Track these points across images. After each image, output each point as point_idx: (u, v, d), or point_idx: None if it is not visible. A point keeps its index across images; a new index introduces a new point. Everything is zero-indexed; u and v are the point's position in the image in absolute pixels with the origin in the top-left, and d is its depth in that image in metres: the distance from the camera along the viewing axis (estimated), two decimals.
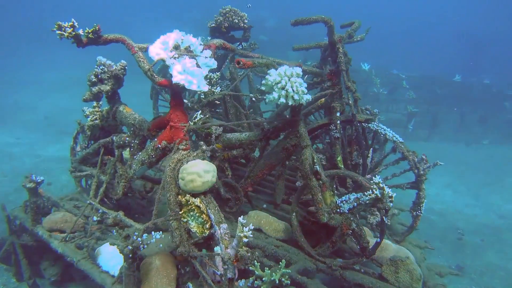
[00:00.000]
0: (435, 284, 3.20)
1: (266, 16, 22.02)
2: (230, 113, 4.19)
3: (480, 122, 10.96)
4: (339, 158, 3.92)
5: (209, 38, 4.83)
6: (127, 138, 2.95)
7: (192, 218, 2.37)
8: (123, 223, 2.85)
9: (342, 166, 3.88)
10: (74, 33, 2.16)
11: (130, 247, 2.34)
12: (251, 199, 3.84)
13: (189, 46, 2.46)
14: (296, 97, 2.83)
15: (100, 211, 2.96)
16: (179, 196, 2.39)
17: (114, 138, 3.16)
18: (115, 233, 3.26)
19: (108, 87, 2.98)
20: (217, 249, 2.19)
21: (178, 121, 2.51)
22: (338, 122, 3.86)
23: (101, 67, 2.92)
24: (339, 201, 3.20)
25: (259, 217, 3.43)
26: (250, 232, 1.95)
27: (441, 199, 7.30)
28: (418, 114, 10.81)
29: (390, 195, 2.92)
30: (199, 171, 2.29)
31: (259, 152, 3.55)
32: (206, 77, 3.51)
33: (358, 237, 3.17)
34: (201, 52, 2.48)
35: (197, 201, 2.31)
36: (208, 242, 2.43)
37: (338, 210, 3.19)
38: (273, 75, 2.88)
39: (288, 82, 2.84)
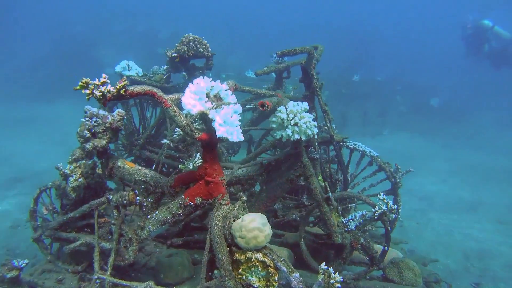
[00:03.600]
0: (429, 274, 3.67)
1: (159, 27, 21.30)
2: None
3: (380, 116, 12.76)
4: (319, 178, 4.13)
5: (163, 67, 4.55)
6: (138, 197, 2.60)
7: (254, 273, 2.25)
8: None
9: (323, 184, 4.10)
10: (107, 90, 1.82)
11: None
12: None
13: (219, 93, 2.32)
14: (309, 132, 2.91)
15: (123, 284, 2.54)
16: (237, 254, 2.24)
17: (110, 197, 2.74)
18: None
19: (104, 142, 2.58)
20: None
21: (217, 176, 2.33)
22: (316, 144, 4.07)
23: (94, 119, 2.51)
24: (346, 221, 3.41)
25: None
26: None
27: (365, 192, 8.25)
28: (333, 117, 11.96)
29: (393, 208, 3.26)
30: (259, 226, 2.18)
31: (260, 186, 3.52)
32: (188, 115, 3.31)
33: (367, 249, 3.44)
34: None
35: (260, 256, 2.21)
36: None
37: (346, 229, 3.40)
38: (283, 113, 2.91)
39: (299, 118, 2.91)
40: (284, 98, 3.37)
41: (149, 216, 2.63)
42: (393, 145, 11.51)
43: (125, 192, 2.72)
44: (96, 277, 2.62)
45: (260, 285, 2.27)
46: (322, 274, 2.15)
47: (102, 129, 2.55)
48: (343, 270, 3.76)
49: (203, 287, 2.30)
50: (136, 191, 2.64)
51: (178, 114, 2.13)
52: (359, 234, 3.41)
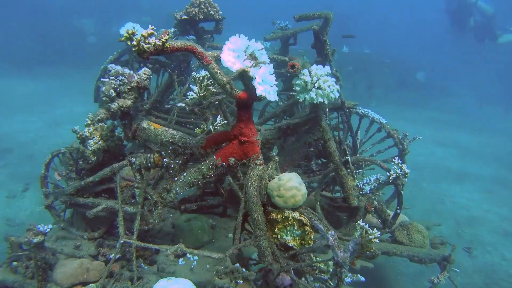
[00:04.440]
0: (434, 237, 3.84)
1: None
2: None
3: (368, 88, 12.87)
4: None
5: (172, 29, 4.36)
6: (165, 159, 2.54)
7: (289, 232, 2.28)
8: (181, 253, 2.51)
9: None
10: (154, 43, 1.72)
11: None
12: None
13: (254, 52, 2.25)
14: (332, 96, 2.90)
15: (152, 248, 2.52)
16: (273, 214, 2.26)
17: (133, 160, 2.67)
18: (145, 268, 2.87)
19: (129, 102, 2.48)
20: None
21: (252, 135, 2.30)
22: (327, 110, 4.08)
23: (120, 78, 2.40)
24: (361, 184, 3.48)
25: None
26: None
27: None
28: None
29: (406, 172, 3.35)
30: (297, 185, 2.19)
31: (277, 149, 3.51)
32: (205, 77, 3.23)
33: (380, 213, 3.55)
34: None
35: (297, 215, 2.23)
36: None
37: (361, 192, 3.48)
38: (307, 76, 2.88)
39: (322, 82, 2.88)
40: (305, 62, 3.31)
41: (176, 179, 2.59)
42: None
43: (149, 154, 2.65)
44: (122, 241, 2.58)
45: (295, 243, 2.31)
46: (360, 231, 2.20)
47: (128, 88, 2.44)
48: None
49: (238, 247, 2.31)
50: (163, 152, 2.58)
51: (218, 71, 2.06)
52: (373, 197, 3.50)
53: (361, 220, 3.54)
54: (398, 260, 4.74)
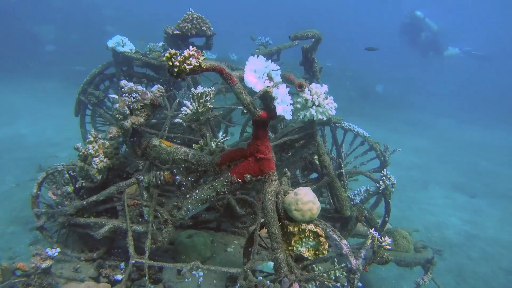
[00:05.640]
0: (417, 241, 4.13)
1: (102, 2, 19.68)
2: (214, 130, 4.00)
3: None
4: (315, 157, 4.37)
5: (159, 44, 4.36)
6: (178, 177, 2.55)
7: (304, 244, 2.39)
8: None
9: (318, 163, 4.35)
10: (195, 63, 1.77)
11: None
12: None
13: (270, 73, 2.36)
14: (330, 112, 3.09)
15: (166, 266, 2.49)
16: (290, 227, 2.35)
17: (141, 178, 2.65)
18: (152, 287, 2.83)
19: (142, 119, 2.48)
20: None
21: (269, 152, 2.39)
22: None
23: (133, 95, 2.40)
24: (352, 195, 3.69)
25: None
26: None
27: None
28: None
29: (394, 183, 3.62)
30: (312, 199, 2.31)
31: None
32: (203, 94, 3.30)
33: (370, 221, 3.77)
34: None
35: (312, 227, 2.34)
36: None
37: (352, 202, 3.68)
38: (308, 94, 3.04)
39: (322, 99, 3.06)
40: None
41: (188, 196, 2.60)
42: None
43: (158, 172, 2.65)
44: (133, 261, 2.54)
45: (309, 254, 2.42)
46: (371, 239, 2.36)
47: (141, 105, 2.44)
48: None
49: (255, 260, 2.37)
50: (174, 170, 2.59)
51: (243, 92, 2.15)
52: (363, 207, 3.72)
53: (348, 234, 3.75)
54: (379, 265, 5.02)
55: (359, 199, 3.69)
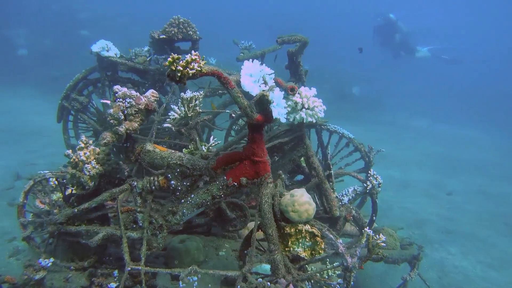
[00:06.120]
0: (402, 239, 4.27)
1: (77, 7, 19.18)
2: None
3: None
4: (302, 159, 4.45)
5: (144, 48, 4.33)
6: (173, 181, 2.55)
7: (301, 244, 2.43)
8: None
9: (304, 165, 4.44)
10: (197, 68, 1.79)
11: None
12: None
13: (265, 77, 2.40)
14: (320, 115, 3.17)
15: (163, 272, 2.47)
16: (286, 228, 2.39)
17: (134, 183, 2.63)
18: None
19: (136, 124, 2.46)
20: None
21: (264, 155, 2.43)
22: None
23: (127, 100, 2.39)
24: (340, 195, 3.79)
25: None
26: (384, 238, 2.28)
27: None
28: None
29: (380, 182, 3.74)
30: (308, 200, 2.37)
31: None
32: (193, 98, 3.32)
33: (358, 221, 3.86)
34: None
35: (308, 227, 2.40)
36: None
37: (340, 203, 3.77)
38: (297, 98, 3.10)
39: (311, 102, 3.14)
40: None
41: (183, 201, 2.60)
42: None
43: (152, 177, 2.63)
44: (129, 269, 2.50)
45: (306, 254, 2.47)
46: (366, 237, 2.44)
47: (135, 110, 2.43)
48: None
49: (253, 262, 2.40)
50: (169, 175, 2.59)
51: (240, 96, 2.18)
52: (352, 207, 3.81)
53: (337, 233, 3.84)
54: (365, 264, 5.15)
55: (347, 199, 3.78)
